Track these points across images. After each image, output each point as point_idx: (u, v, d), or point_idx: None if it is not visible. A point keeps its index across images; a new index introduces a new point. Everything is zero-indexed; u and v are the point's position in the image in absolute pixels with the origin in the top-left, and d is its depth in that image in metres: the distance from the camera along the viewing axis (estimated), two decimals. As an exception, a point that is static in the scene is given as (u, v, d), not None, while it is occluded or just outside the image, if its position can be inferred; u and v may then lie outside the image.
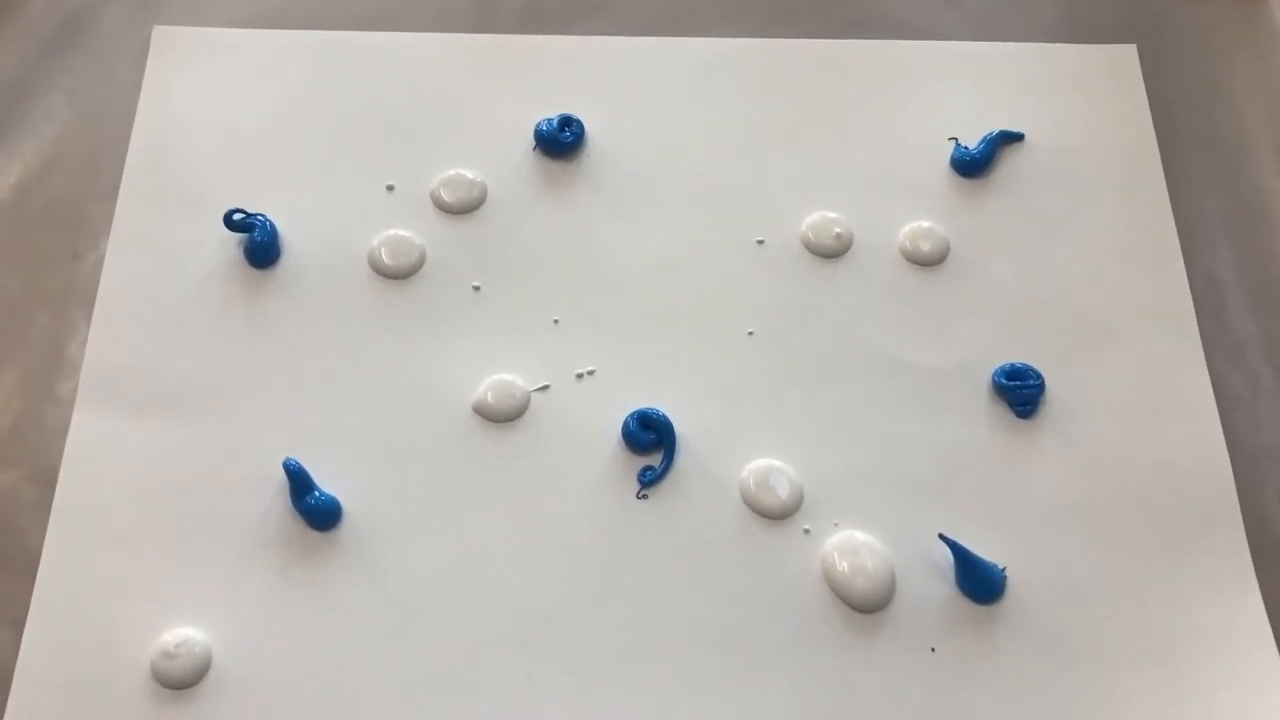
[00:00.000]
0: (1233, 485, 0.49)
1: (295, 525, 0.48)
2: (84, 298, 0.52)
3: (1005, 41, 0.60)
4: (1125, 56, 0.60)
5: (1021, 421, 0.51)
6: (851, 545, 0.48)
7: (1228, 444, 0.50)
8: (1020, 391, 0.51)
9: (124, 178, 0.55)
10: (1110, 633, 0.47)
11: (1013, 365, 0.51)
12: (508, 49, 0.60)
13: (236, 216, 0.53)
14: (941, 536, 0.47)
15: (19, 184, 0.56)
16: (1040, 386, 0.51)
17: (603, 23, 0.61)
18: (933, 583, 0.47)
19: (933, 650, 0.46)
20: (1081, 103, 0.59)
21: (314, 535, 0.48)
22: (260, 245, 0.53)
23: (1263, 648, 0.46)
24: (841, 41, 0.60)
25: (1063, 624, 0.47)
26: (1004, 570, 0.47)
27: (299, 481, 0.48)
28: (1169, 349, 0.53)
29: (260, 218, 0.53)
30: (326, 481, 0.48)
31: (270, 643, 0.46)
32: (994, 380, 0.51)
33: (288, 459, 0.48)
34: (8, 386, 0.51)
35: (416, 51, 0.59)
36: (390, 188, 0.56)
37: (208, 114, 0.57)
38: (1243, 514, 0.49)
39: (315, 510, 0.47)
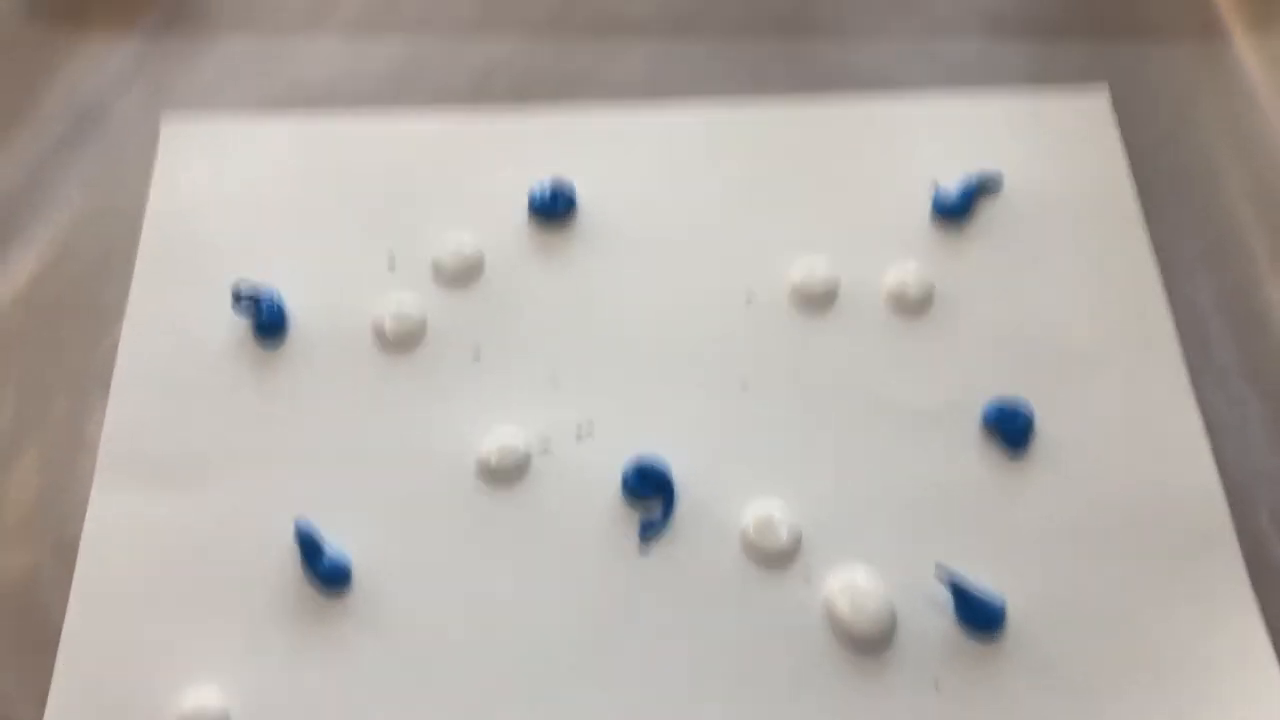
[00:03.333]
0: (1226, 509, 0.50)
1: (307, 589, 0.49)
2: (101, 380, 0.54)
3: (979, 88, 0.62)
4: (1097, 98, 0.62)
5: (1013, 457, 0.51)
6: (851, 585, 0.48)
7: (1218, 469, 0.51)
8: (1009, 427, 0.52)
9: (137, 263, 0.57)
10: (1112, 659, 0.47)
11: (1001, 401, 0.52)
12: (500, 122, 0.62)
13: (243, 295, 0.55)
14: (938, 571, 0.48)
15: (36, 273, 0.58)
16: (1029, 421, 0.52)
17: (590, 94, 0.63)
18: (933, 619, 0.48)
19: (936, 686, 0.47)
20: (1057, 145, 0.60)
21: (325, 598, 0.49)
22: (267, 323, 0.55)
23: (1265, 668, 0.47)
24: (820, 100, 0.62)
25: (1065, 653, 0.47)
26: (1003, 603, 0.48)
27: (309, 546, 0.49)
28: (1155, 378, 0.53)
29: (267, 296, 0.55)
30: (337, 545, 0.50)
31: (286, 704, 0.47)
32: (983, 417, 0.52)
33: (298, 524, 0.49)
34: (28, 468, 0.52)
35: (414, 128, 0.62)
36: (392, 260, 0.57)
37: (216, 197, 0.59)
38: (1237, 537, 0.49)
39: (327, 573, 0.49)
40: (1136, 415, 0.52)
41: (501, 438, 0.52)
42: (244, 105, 0.63)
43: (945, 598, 0.48)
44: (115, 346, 0.55)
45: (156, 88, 0.64)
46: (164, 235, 0.58)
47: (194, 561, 0.50)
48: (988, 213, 0.58)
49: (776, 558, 0.49)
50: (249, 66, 0.65)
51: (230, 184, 0.60)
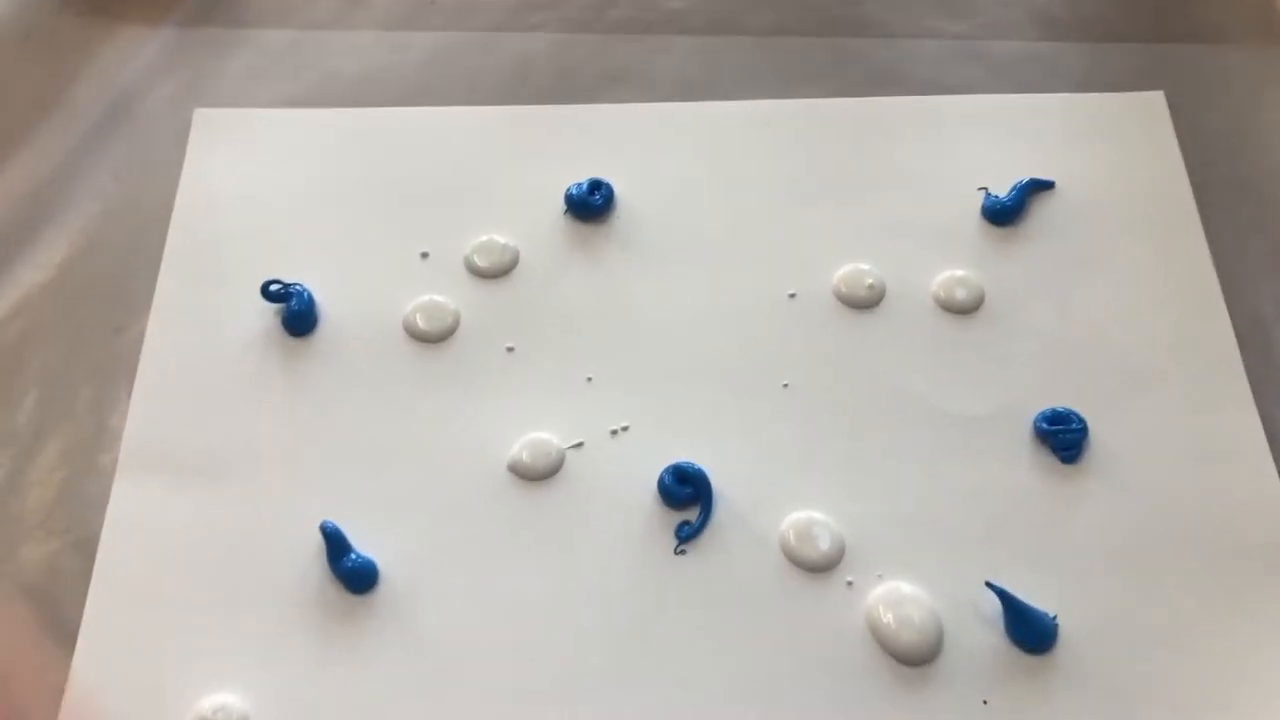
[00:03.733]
0: (1290, 524, 0.48)
1: (333, 588, 0.48)
2: (126, 370, 0.53)
3: (1030, 93, 0.61)
4: (1153, 103, 0.60)
5: (1066, 467, 0.50)
6: (897, 597, 0.47)
7: (1282, 483, 0.49)
8: (1063, 436, 0.50)
9: (165, 253, 0.57)
10: (1167, 680, 0.45)
11: (1054, 410, 0.50)
12: (537, 119, 0.61)
13: (274, 287, 0.54)
14: (989, 584, 0.46)
15: (65, 261, 0.57)
16: (1083, 431, 0.50)
17: (629, 90, 0.62)
18: (982, 633, 0.46)
19: (985, 703, 0.45)
20: (1111, 150, 0.59)
21: (351, 598, 0.47)
22: (297, 314, 0.54)
23: (1329, 691, 0.45)
24: (867, 99, 0.61)
25: (1118, 672, 0.45)
26: (1055, 618, 0.46)
27: (336, 544, 0.48)
28: (1215, 389, 0.52)
29: (298, 287, 0.54)
30: (363, 544, 0.48)
31: (308, 707, 0.45)
32: (1035, 426, 0.50)
33: (324, 521, 0.48)
34: (52, 458, 0.52)
35: (448, 124, 0.61)
36: (425, 255, 0.56)
37: (246, 190, 0.59)
38: (1301, 555, 0.47)
39: (352, 573, 0.47)
40: (1195, 426, 0.51)
41: (534, 435, 0.51)
42: (276, 99, 0.62)
43: (995, 612, 0.46)
44: (141, 336, 0.54)
45: (189, 80, 0.63)
46: (193, 227, 0.58)
47: (216, 559, 0.48)
48: (1040, 216, 0.57)
49: (817, 565, 0.48)
50: (282, 60, 0.64)
51: (261, 177, 0.59)
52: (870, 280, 0.54)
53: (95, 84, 0.63)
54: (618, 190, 0.58)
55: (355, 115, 0.61)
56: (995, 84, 0.61)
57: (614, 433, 0.51)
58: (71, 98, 0.63)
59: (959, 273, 0.55)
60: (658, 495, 0.49)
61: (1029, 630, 0.45)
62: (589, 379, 0.53)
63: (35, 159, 0.60)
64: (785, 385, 0.52)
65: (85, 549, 0.49)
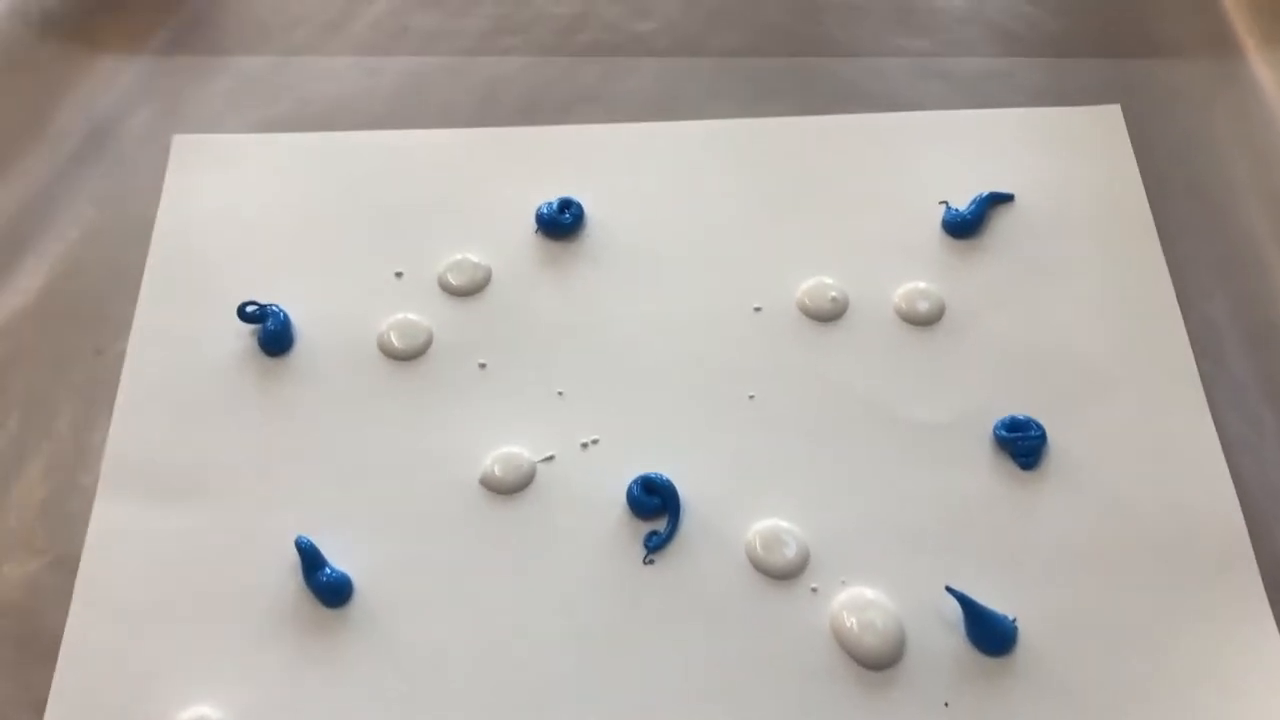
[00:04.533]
0: (1244, 526, 0.49)
1: (308, 602, 0.48)
2: (107, 391, 0.54)
3: (990, 108, 0.62)
4: (1110, 116, 0.61)
5: (1025, 473, 0.51)
6: (860, 602, 0.48)
7: (1235, 486, 0.50)
8: (1022, 443, 0.51)
9: (145, 276, 0.57)
10: (1126, 680, 0.46)
11: (1013, 417, 0.52)
12: (507, 140, 0.62)
13: (250, 308, 0.55)
14: (949, 589, 0.47)
15: (46, 285, 0.58)
16: (1042, 437, 0.51)
17: (597, 111, 0.63)
18: (943, 637, 0.47)
19: (946, 705, 0.46)
20: (1069, 162, 0.60)
21: (326, 611, 0.48)
22: (273, 334, 0.55)
23: (1283, 689, 0.46)
24: (830, 117, 0.62)
25: (1077, 673, 0.46)
26: (1014, 621, 0.47)
27: (310, 559, 0.49)
28: (1170, 394, 0.53)
29: (274, 308, 0.55)
30: (338, 558, 0.49)
31: (285, 718, 0.46)
32: (995, 433, 0.51)
33: (299, 537, 0.49)
34: (33, 478, 0.52)
35: (422, 146, 0.62)
36: (399, 274, 0.57)
37: (224, 214, 0.60)
38: (1256, 555, 0.48)
39: (327, 587, 0.48)
40: (1151, 432, 0.52)
41: (506, 449, 0.52)
42: (253, 124, 0.63)
43: (956, 615, 0.47)
44: (121, 357, 0.55)
45: (167, 106, 0.64)
46: (172, 250, 0.59)
47: (195, 574, 0.49)
48: (1000, 228, 0.58)
49: (783, 573, 0.49)
50: (258, 86, 0.65)
51: (238, 200, 0.60)
52: (834, 293, 0.56)
53: (75, 111, 0.64)
54: (587, 209, 0.59)
55: (330, 139, 0.62)
56: (956, 100, 0.63)
57: (584, 445, 0.52)
58: (51, 125, 0.63)
59: (920, 285, 0.56)
60: (626, 506, 0.50)
61: (989, 633, 0.46)
62: (560, 393, 0.54)
63: (16, 185, 0.61)
64: (751, 396, 0.53)
65: (67, 566, 0.50)
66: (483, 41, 0.66)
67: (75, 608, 0.48)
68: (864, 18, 0.67)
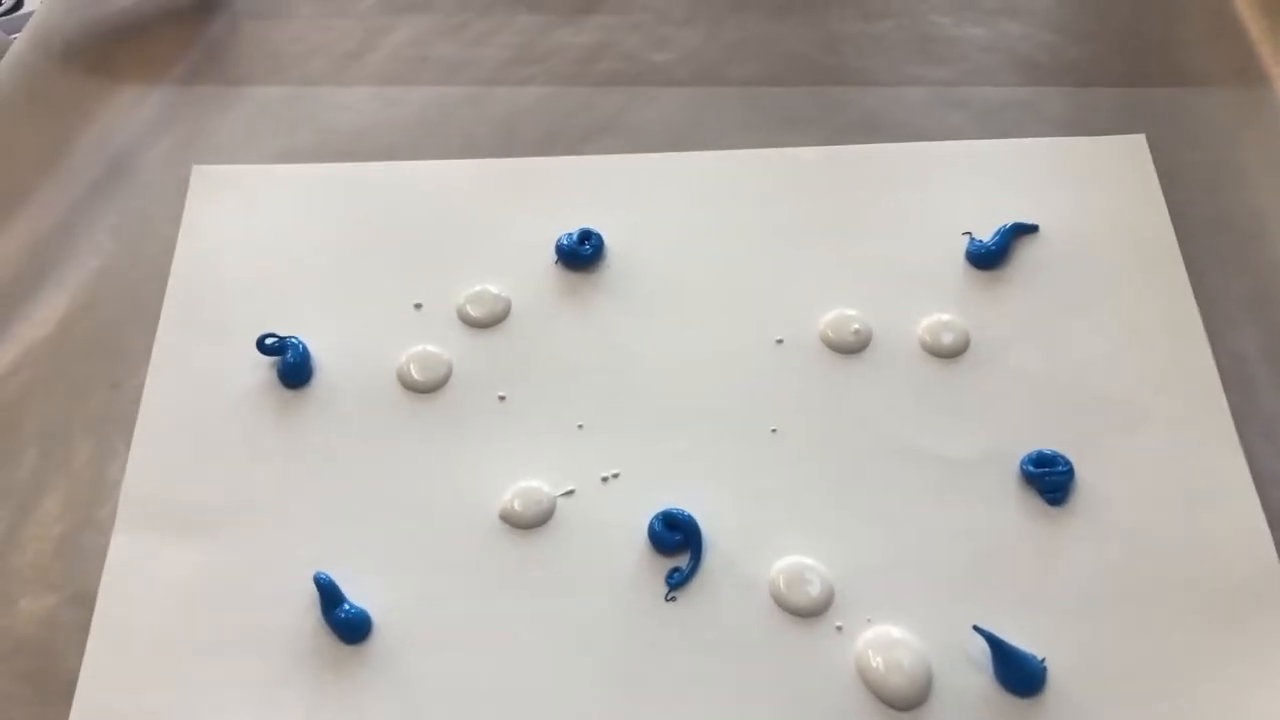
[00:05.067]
0: (1277, 563, 0.48)
1: (326, 639, 0.48)
2: (124, 424, 0.54)
3: (1013, 138, 0.62)
4: (1135, 146, 0.61)
5: (1053, 509, 0.50)
6: (886, 641, 0.47)
7: (1267, 521, 0.49)
8: (1049, 479, 0.50)
9: (163, 308, 0.57)
10: (1158, 720, 0.45)
11: (1040, 452, 0.51)
12: (527, 170, 0.62)
13: (269, 340, 0.55)
14: (977, 629, 0.46)
15: (64, 318, 0.58)
16: (1069, 472, 0.50)
17: (617, 142, 0.63)
18: (971, 677, 0.46)
19: (974, 747, 0.45)
20: (1094, 193, 0.59)
21: (345, 648, 0.48)
22: (292, 366, 0.54)
23: (1321, 731, 0.45)
24: (851, 147, 0.62)
25: (1108, 715, 0.45)
26: (1043, 661, 0.46)
27: (329, 595, 0.48)
28: (1200, 428, 0.52)
29: (293, 340, 0.55)
30: (357, 595, 0.49)
31: (301, 759, 0.45)
32: (1022, 468, 0.51)
33: (318, 573, 0.48)
34: (50, 512, 0.52)
35: (441, 177, 0.62)
36: (418, 306, 0.57)
37: (243, 245, 0.60)
38: (1290, 593, 0.47)
39: (345, 624, 0.48)
40: (1182, 467, 0.51)
41: (525, 483, 0.51)
42: (272, 154, 0.63)
43: (984, 655, 0.46)
44: (139, 390, 0.55)
45: (186, 137, 0.65)
46: (191, 282, 0.58)
47: (213, 611, 0.49)
48: (1024, 259, 0.57)
49: (807, 611, 0.48)
50: (277, 116, 0.65)
51: (257, 232, 0.60)
52: (856, 325, 0.55)
53: (94, 142, 0.64)
54: (607, 240, 0.59)
55: (349, 169, 0.62)
56: (978, 130, 0.62)
57: (605, 480, 0.52)
58: (71, 156, 0.64)
59: (945, 317, 0.55)
60: (648, 542, 0.50)
61: (1018, 674, 0.46)
62: (580, 426, 0.53)
63: (35, 216, 0.61)
64: (773, 431, 0.53)
65: (84, 602, 0.49)
66: (502, 71, 0.66)
67: (92, 644, 0.48)
68: (884, 47, 0.66)
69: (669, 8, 0.69)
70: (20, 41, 0.67)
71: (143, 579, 0.50)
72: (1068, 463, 0.51)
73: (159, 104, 0.66)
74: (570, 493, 0.51)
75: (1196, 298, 0.56)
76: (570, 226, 0.59)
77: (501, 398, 0.54)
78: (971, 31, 0.66)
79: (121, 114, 0.65)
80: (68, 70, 0.67)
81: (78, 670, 0.47)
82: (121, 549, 0.50)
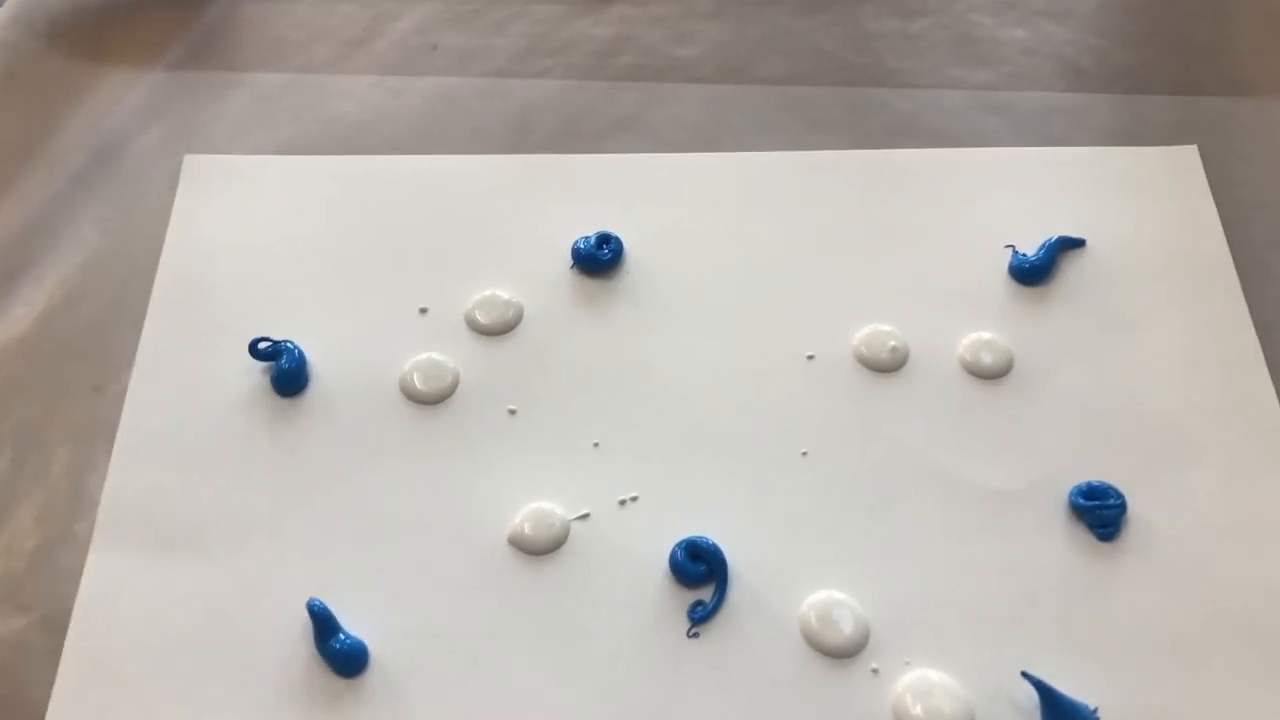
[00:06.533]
0: (1345, 608, 0.45)
1: (319, 671, 0.45)
2: (105, 431, 0.51)
3: (1056, 146, 0.59)
4: (1186, 157, 0.58)
5: (1103, 544, 0.47)
6: (925, 686, 0.44)
7: (1333, 565, 0.46)
8: (1100, 512, 0.47)
9: (150, 306, 0.54)
10: (1219, 778, 0.42)
11: (1090, 483, 0.48)
12: (541, 168, 0.59)
13: (262, 345, 0.52)
14: (1025, 674, 0.43)
15: (43, 315, 0.55)
16: (1121, 506, 0.47)
17: (637, 140, 0.60)
18: (1017, 726, 0.43)
19: (1021, 802, 0.42)
20: (1143, 206, 0.57)
21: (339, 681, 0.45)
22: (287, 373, 0.52)
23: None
24: (886, 151, 0.59)
25: (1166, 769, 0.42)
26: (1095, 710, 0.43)
27: (323, 624, 0.45)
28: (1259, 458, 0.49)
29: (288, 344, 0.52)
30: (353, 623, 0.45)
31: (290, 803, 0.42)
32: (1070, 500, 0.48)
33: (312, 600, 0.45)
34: (23, 525, 0.49)
35: (450, 173, 0.59)
36: (423, 310, 0.54)
37: (236, 241, 0.57)
38: (1359, 639, 0.45)
39: (341, 655, 0.45)
40: (1240, 500, 0.48)
41: (537, 505, 0.48)
42: (269, 145, 0.61)
43: (1031, 703, 0.43)
44: (122, 395, 0.52)
45: (178, 125, 0.62)
46: (180, 279, 0.56)
47: (195, 638, 0.46)
48: (1071, 275, 0.54)
49: (840, 651, 0.45)
50: (276, 104, 0.63)
51: (252, 227, 0.57)
52: (893, 342, 0.52)
53: (80, 128, 0.61)
54: (627, 244, 0.56)
55: (352, 162, 0.60)
56: (1018, 137, 0.59)
57: (622, 503, 0.49)
58: (55, 142, 0.61)
59: (986, 335, 0.52)
60: (669, 572, 0.47)
61: (1068, 723, 0.43)
62: (596, 444, 0.50)
63: (15, 206, 0.59)
64: (804, 453, 0.50)
65: (55, 625, 0.46)
66: (516, 62, 0.64)
67: (63, 670, 0.45)
68: (921, 47, 0.64)
69: (694, 0, 0.66)
70: (-1, 17, 0.64)
71: (121, 601, 0.47)
72: (1120, 495, 0.48)
73: (150, 89, 0.63)
74: (585, 516, 0.48)
75: (1252, 316, 0.53)
76: (587, 229, 0.56)
77: (511, 411, 0.51)
78: (1014, 33, 0.64)
79: (110, 99, 0.62)
80: (52, 51, 0.64)
81: (46, 701, 0.44)
82: (98, 568, 0.47)
